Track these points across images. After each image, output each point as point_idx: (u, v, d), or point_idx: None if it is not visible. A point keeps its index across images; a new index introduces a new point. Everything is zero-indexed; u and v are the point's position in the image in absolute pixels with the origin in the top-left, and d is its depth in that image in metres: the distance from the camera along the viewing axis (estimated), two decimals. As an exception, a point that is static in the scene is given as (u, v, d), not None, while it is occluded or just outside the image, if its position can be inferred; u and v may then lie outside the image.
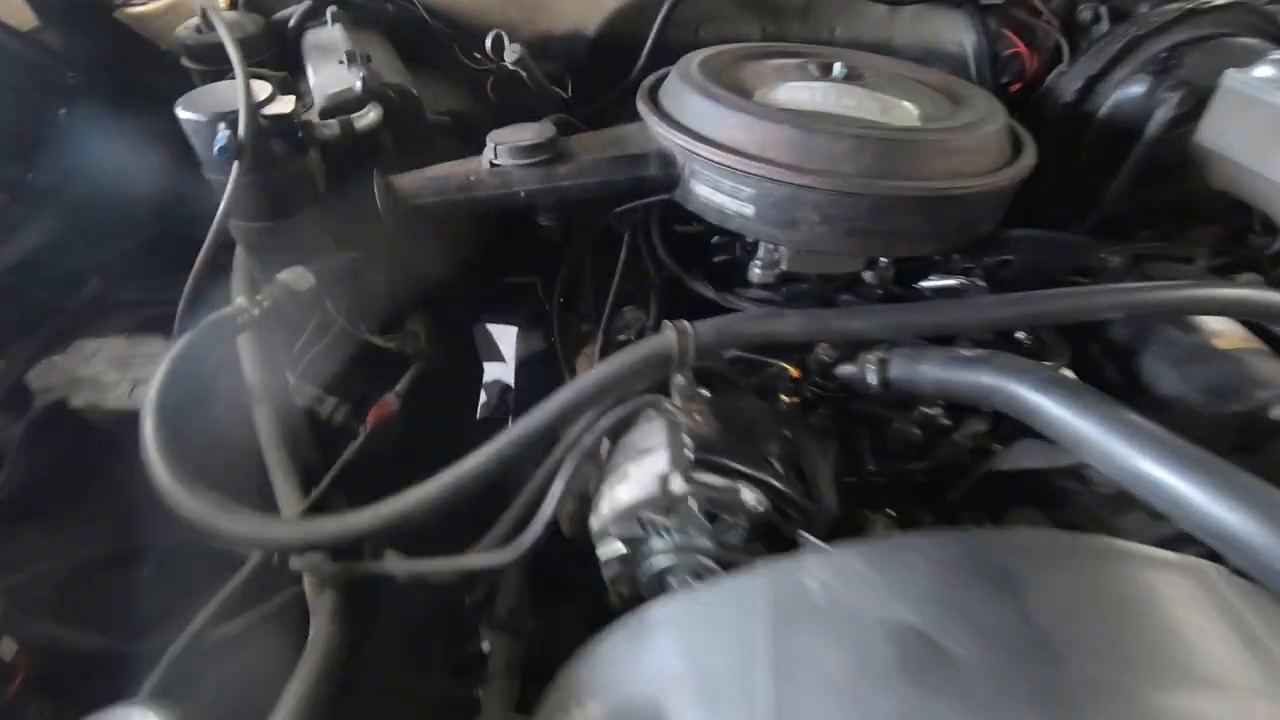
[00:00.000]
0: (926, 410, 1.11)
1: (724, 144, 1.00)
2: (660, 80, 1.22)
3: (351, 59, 1.16)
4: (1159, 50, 1.20)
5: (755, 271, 1.23)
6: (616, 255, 1.40)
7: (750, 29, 1.57)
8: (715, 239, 1.49)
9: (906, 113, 1.05)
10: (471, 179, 1.07)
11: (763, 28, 1.57)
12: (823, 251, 1.15)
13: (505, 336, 2.41)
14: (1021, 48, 1.45)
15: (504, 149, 1.05)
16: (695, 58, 1.19)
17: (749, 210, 1.02)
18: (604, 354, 1.29)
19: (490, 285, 1.75)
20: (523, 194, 1.08)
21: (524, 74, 1.34)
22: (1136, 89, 1.22)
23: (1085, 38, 1.46)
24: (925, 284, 1.18)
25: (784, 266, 1.22)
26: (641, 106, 1.13)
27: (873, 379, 1.01)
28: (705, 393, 0.92)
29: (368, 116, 1.10)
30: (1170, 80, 1.18)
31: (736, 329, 0.90)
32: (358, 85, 1.12)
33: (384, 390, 1.19)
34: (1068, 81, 1.28)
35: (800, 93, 1.06)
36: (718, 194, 1.04)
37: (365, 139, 1.09)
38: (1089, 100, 1.26)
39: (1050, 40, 1.46)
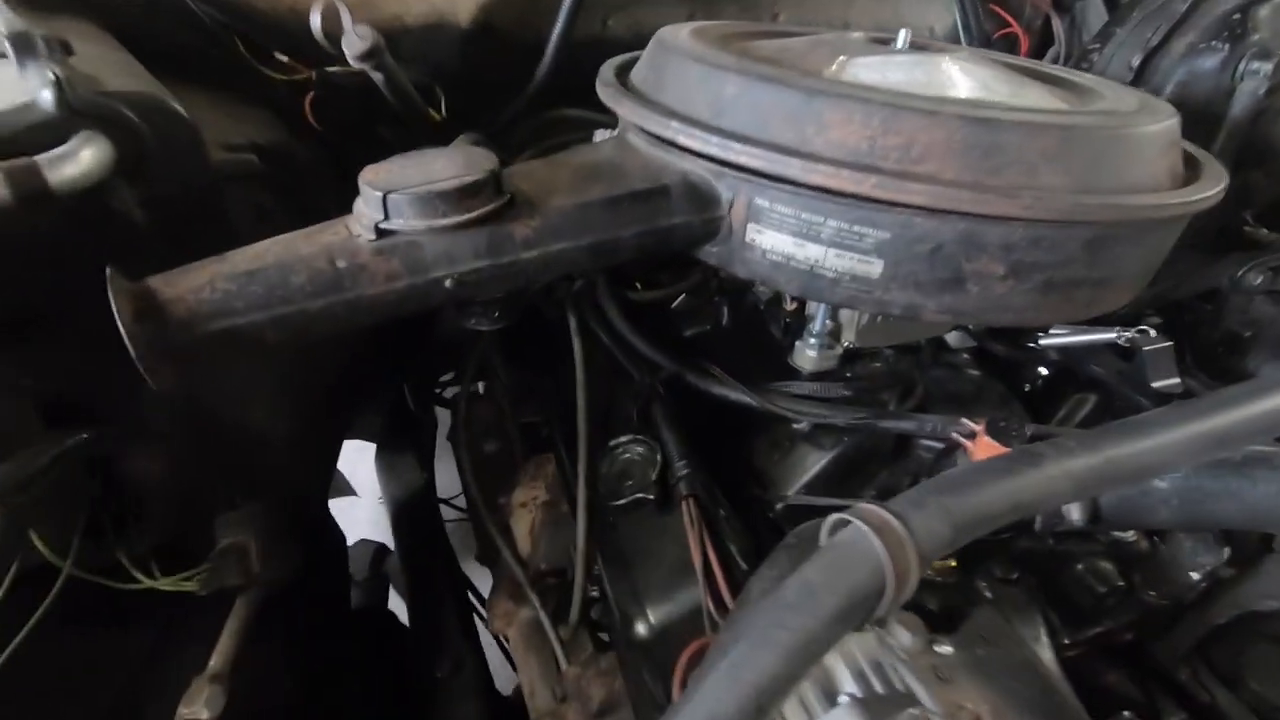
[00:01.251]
0: (1121, 537, 0.73)
1: (822, 155, 0.55)
2: (628, 66, 0.75)
3: (26, 47, 0.56)
4: (1227, 10, 0.95)
5: (808, 354, 0.80)
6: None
7: (674, 14, 1.16)
8: (678, 303, 1.06)
9: (1045, 97, 0.67)
10: (336, 266, 0.52)
11: (690, 14, 1.17)
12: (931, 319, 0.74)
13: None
14: (1015, 27, 1.18)
15: (404, 201, 0.52)
16: (682, 31, 0.73)
17: (872, 268, 0.58)
18: (595, 518, 0.77)
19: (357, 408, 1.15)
20: (449, 284, 0.55)
21: (378, 76, 0.81)
22: (1208, 62, 0.96)
23: (1066, 14, 1.23)
24: (1055, 340, 0.81)
25: (850, 341, 0.79)
26: (630, 106, 0.65)
27: (1076, 514, 0.62)
28: (948, 649, 0.46)
29: (77, 159, 0.52)
30: (1250, 47, 0.92)
31: (976, 504, 0.46)
32: (47, 97, 0.53)
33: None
34: (1117, 58, 1.00)
35: (892, 70, 0.65)
36: (805, 245, 0.59)
37: (77, 205, 0.51)
38: (1147, 80, 0.99)
39: (1039, 16, 1.21)
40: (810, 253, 0.59)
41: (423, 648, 1.01)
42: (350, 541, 1.40)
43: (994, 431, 0.63)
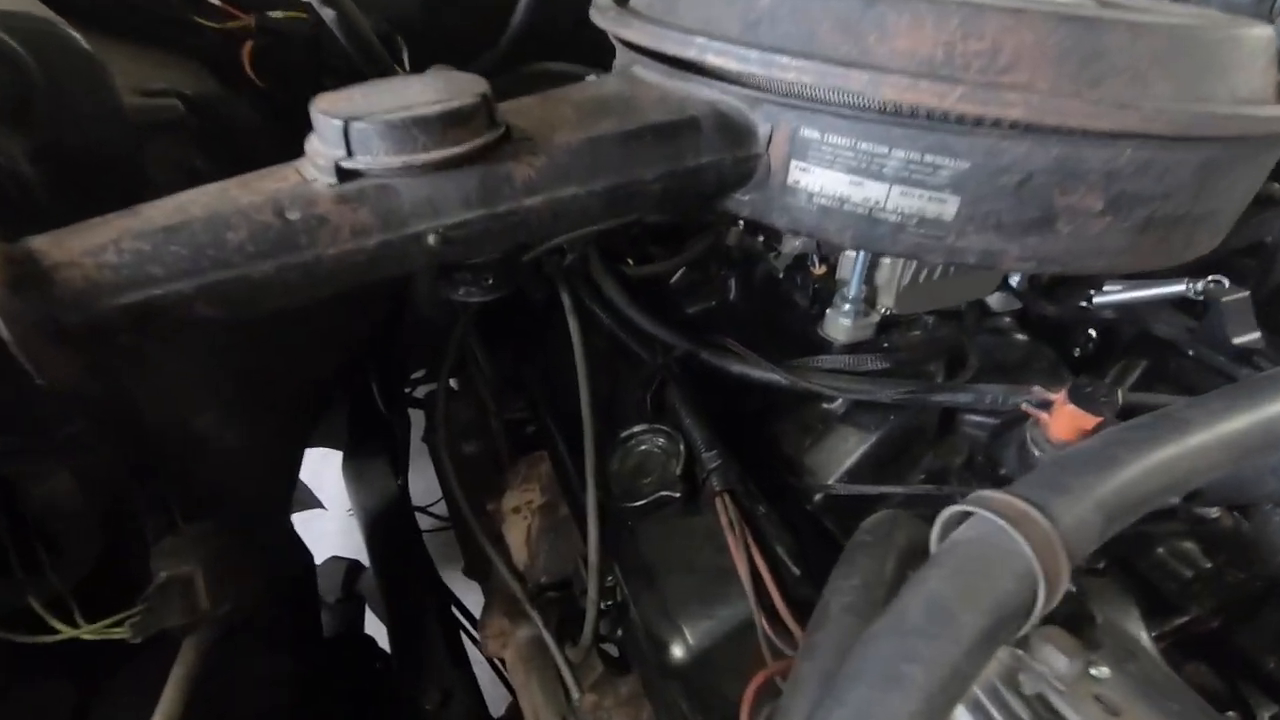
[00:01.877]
0: (1204, 513, 0.65)
1: (890, 67, 0.45)
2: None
3: None
4: (1262, -61, 0.88)
5: (842, 323, 0.70)
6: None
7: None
8: (677, 277, 0.95)
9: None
10: (287, 218, 0.41)
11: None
12: (979, 268, 0.65)
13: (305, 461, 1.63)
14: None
15: (373, 131, 0.40)
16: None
17: (946, 209, 0.48)
18: (608, 522, 0.66)
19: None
20: (432, 240, 0.43)
21: (330, 14, 0.68)
22: (1243, -7, 0.88)
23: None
24: (1111, 297, 0.73)
25: (888, 307, 0.70)
26: (640, 28, 0.54)
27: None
28: (1105, 670, 0.36)
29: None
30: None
31: (1127, 483, 0.36)
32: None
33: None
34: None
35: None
36: (864, 184, 0.49)
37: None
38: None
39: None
40: (870, 193, 0.49)
41: (407, 676, 0.89)
42: (319, 559, 1.27)
43: (1079, 398, 0.54)
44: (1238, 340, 0.65)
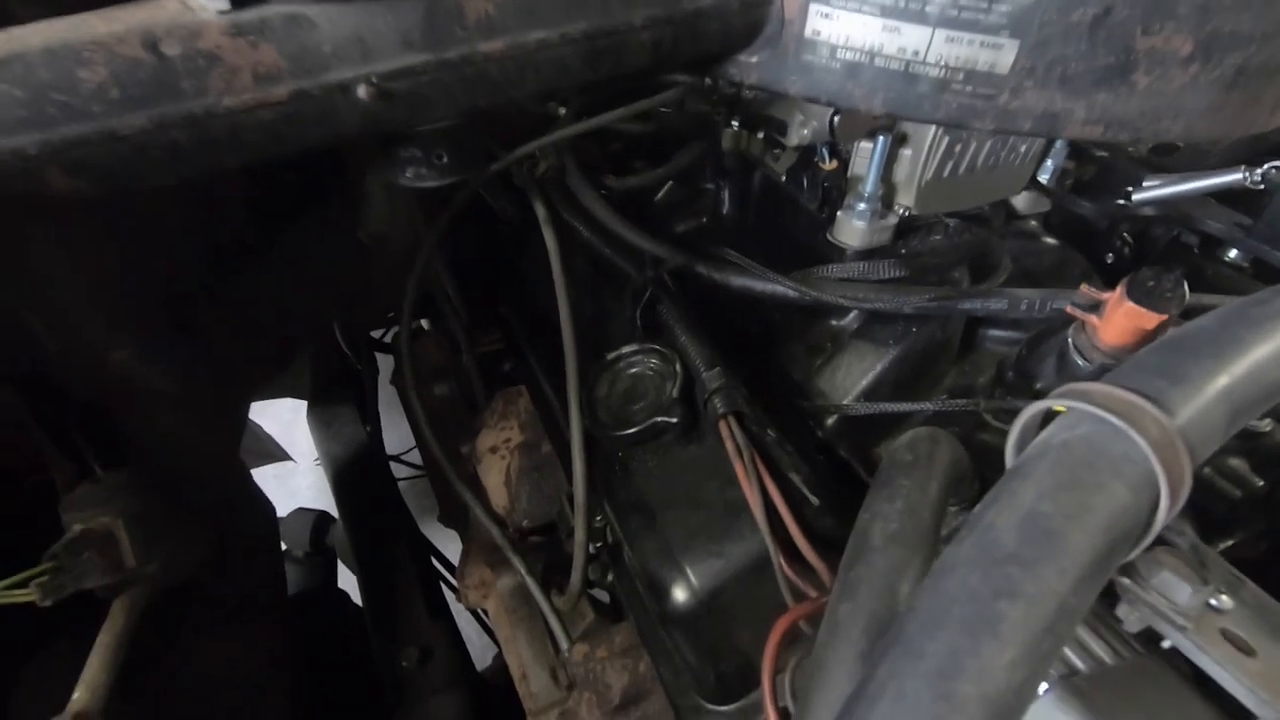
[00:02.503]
0: (1254, 427, 0.59)
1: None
2: None
3: None
4: None
5: (855, 226, 0.61)
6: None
7: None
8: (663, 194, 0.86)
9: None
10: (163, 54, 0.31)
11: None
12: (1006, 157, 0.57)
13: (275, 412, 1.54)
14: None
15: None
16: None
17: (1001, 56, 0.39)
18: (595, 455, 0.58)
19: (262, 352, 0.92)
20: (363, 93, 0.34)
21: None
22: None
23: None
24: (1154, 192, 0.65)
25: (907, 206, 0.62)
26: None
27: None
28: (1227, 599, 0.29)
29: None
30: None
31: (1255, 370, 0.29)
32: None
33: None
34: None
35: None
36: (901, 30, 0.40)
37: None
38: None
39: None
40: (908, 40, 0.40)
41: (382, 634, 0.82)
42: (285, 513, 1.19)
43: (1139, 293, 0.47)
44: (1302, 233, 0.58)
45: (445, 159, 0.41)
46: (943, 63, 0.40)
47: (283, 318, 0.90)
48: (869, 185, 0.60)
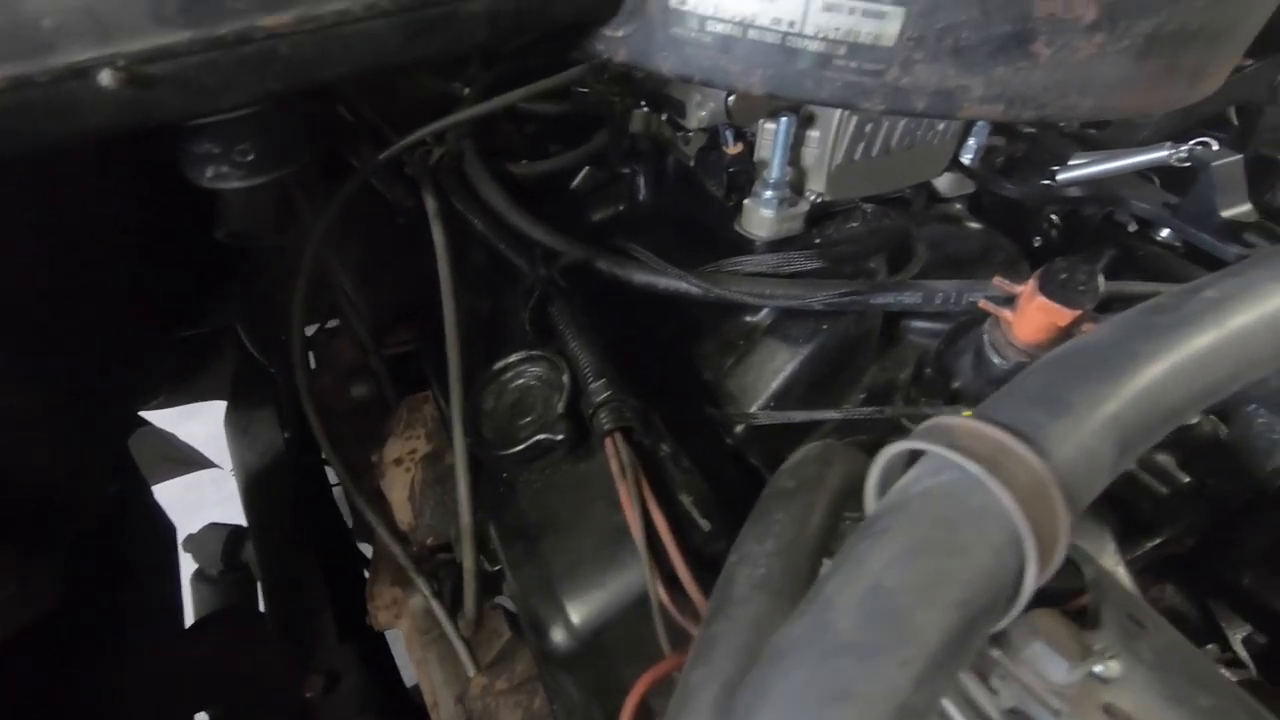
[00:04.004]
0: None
1: None
2: None
3: None
4: None
5: (763, 215, 0.57)
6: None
7: None
8: (581, 179, 0.81)
9: None
10: None
11: None
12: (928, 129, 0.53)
13: (195, 422, 1.45)
14: None
15: None
16: None
17: (887, 26, 0.35)
18: (481, 475, 0.53)
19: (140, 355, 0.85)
20: (106, 80, 0.28)
21: None
22: None
23: None
24: (1079, 171, 0.61)
25: (818, 192, 0.57)
26: None
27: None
28: (1115, 665, 0.25)
29: None
30: None
31: (1149, 391, 0.24)
32: None
33: None
34: None
35: None
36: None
37: None
38: None
39: None
40: (783, 8, 0.35)
41: (286, 658, 0.77)
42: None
43: (1051, 286, 0.43)
44: (1228, 213, 0.54)
45: (252, 155, 0.35)
46: (822, 34, 0.35)
47: (150, 325, 0.83)
48: (774, 171, 0.55)
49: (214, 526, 1.07)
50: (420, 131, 0.69)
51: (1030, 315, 0.45)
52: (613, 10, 0.39)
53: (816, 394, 0.57)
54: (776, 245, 0.59)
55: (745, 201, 0.58)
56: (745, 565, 0.30)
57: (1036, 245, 0.68)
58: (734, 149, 0.57)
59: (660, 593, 0.40)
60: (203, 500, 1.60)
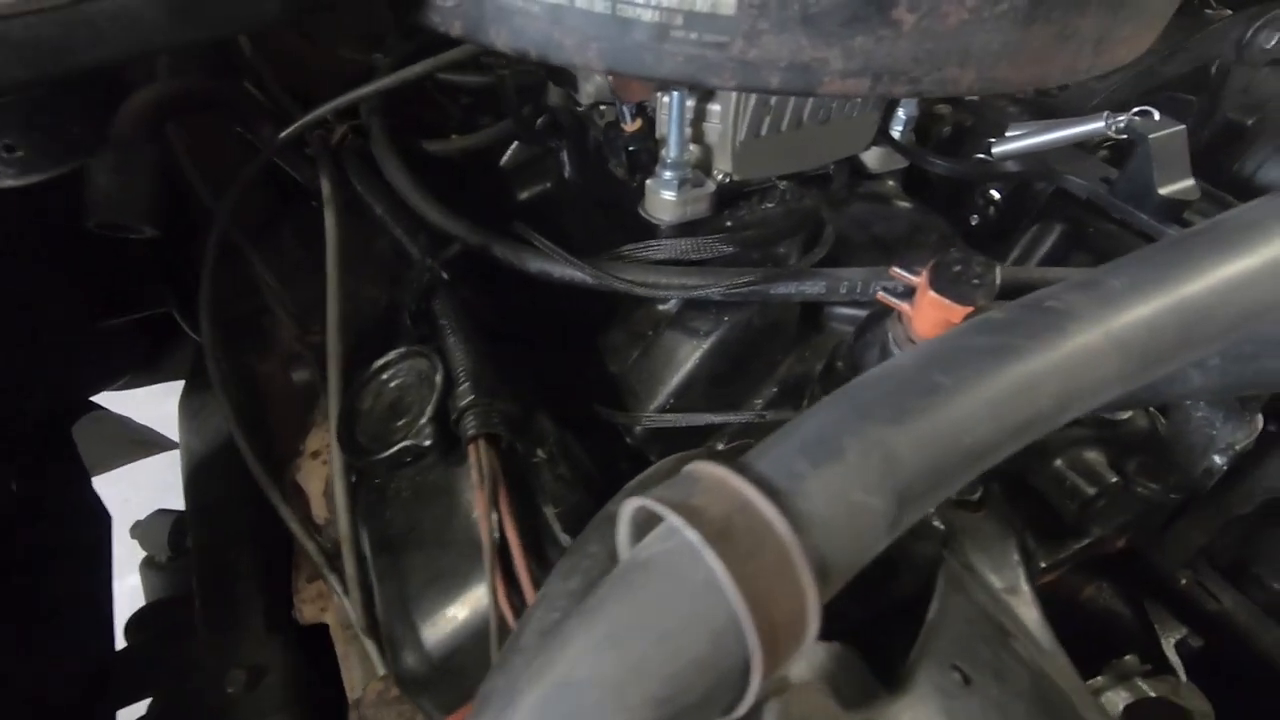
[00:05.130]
0: (1112, 415, 0.52)
1: None
2: None
3: None
4: None
5: (664, 198, 0.53)
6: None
7: None
8: (510, 156, 0.76)
9: None
10: None
11: None
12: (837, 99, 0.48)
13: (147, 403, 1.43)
14: None
15: None
16: None
17: (721, -10, 0.30)
18: (360, 481, 0.50)
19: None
20: None
21: None
22: None
23: None
24: (1015, 144, 0.56)
25: (725, 172, 0.53)
26: None
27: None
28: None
29: None
30: None
31: (942, 430, 0.21)
32: None
33: None
34: None
35: None
36: (596, -41, 0.30)
37: None
38: None
39: None
40: (608, -32, 0.31)
41: (211, 650, 0.75)
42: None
43: (943, 281, 0.39)
44: (1165, 190, 0.49)
45: (21, 151, 0.31)
46: (655, 2, 0.31)
47: (75, 316, 0.81)
48: (672, 150, 0.51)
49: (162, 513, 1.06)
50: (320, 109, 0.65)
51: (925, 310, 0.41)
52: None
53: (723, 388, 0.54)
54: (684, 229, 0.55)
55: (648, 183, 0.54)
56: (541, 608, 0.27)
57: (974, 224, 0.64)
58: (632, 126, 0.53)
59: (507, 614, 0.37)
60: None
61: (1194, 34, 0.66)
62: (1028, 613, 0.41)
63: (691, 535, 0.18)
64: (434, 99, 0.81)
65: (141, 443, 1.30)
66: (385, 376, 0.50)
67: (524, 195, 0.76)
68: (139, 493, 1.29)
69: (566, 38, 0.34)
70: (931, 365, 0.22)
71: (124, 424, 1.24)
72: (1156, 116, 0.50)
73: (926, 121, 0.66)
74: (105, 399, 1.16)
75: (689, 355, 0.52)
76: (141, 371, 1.26)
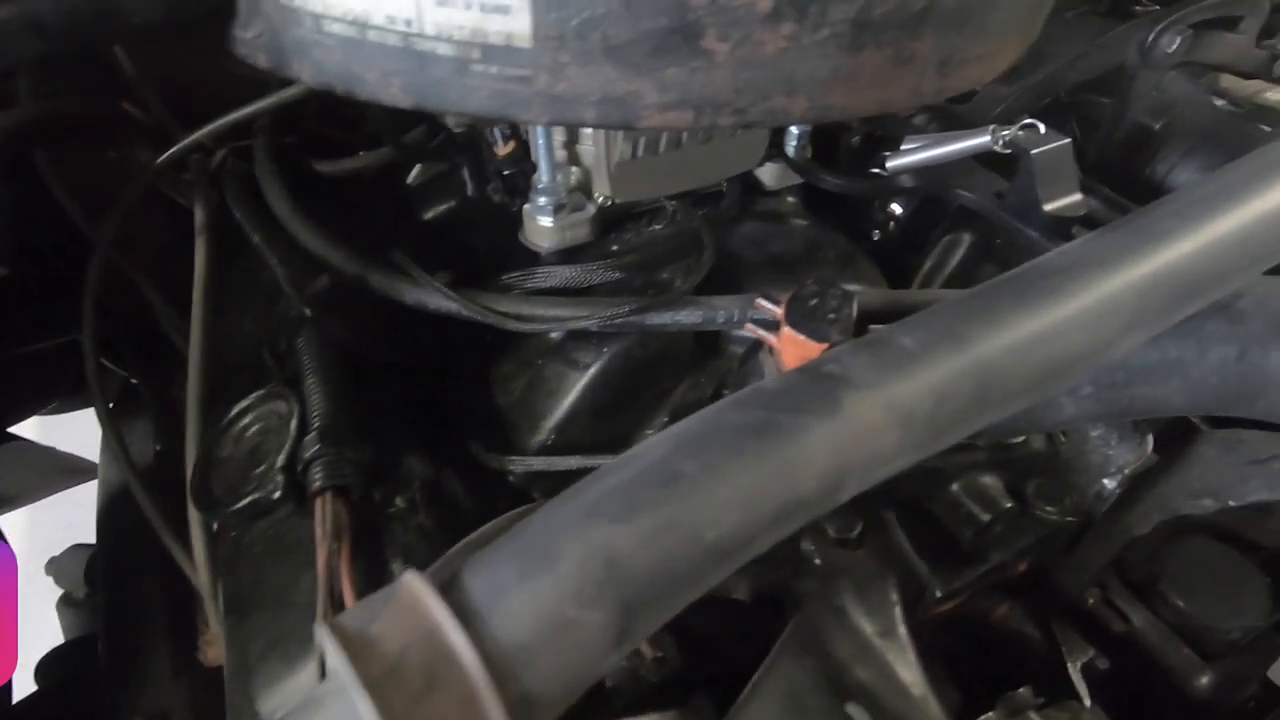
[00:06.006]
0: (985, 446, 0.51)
1: None
2: None
3: None
4: None
5: (541, 224, 0.51)
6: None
7: None
8: (417, 175, 0.73)
9: None
10: None
11: None
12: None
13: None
14: None
15: None
16: None
17: (514, 21, 0.28)
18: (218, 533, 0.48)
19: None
20: None
21: None
22: None
23: None
24: (906, 158, 0.55)
25: (604, 194, 0.51)
26: None
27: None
28: None
29: None
30: None
31: (672, 546, 0.19)
32: None
33: None
34: None
35: None
36: (379, -12, 0.28)
37: None
38: None
39: None
40: (395, 5, 0.29)
41: (113, 694, 0.72)
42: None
43: (797, 315, 0.37)
44: (1050, 206, 0.48)
45: None
46: (445, 34, 0.29)
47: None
48: (543, 175, 0.48)
49: (78, 548, 1.02)
50: (199, 132, 0.62)
51: (786, 345, 0.39)
52: (230, 7, 0.32)
53: (609, 420, 0.52)
54: (568, 254, 0.53)
55: (524, 209, 0.51)
56: None
57: (876, 239, 0.62)
58: (505, 149, 0.50)
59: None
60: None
61: (1101, 38, 0.65)
62: (900, 656, 0.39)
63: (347, 677, 0.15)
64: (344, 115, 0.78)
65: (67, 471, 1.26)
66: (246, 421, 0.48)
67: (429, 214, 0.73)
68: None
69: (367, 72, 0.31)
70: (679, 449, 0.20)
71: (46, 453, 1.20)
72: (1042, 130, 0.49)
73: (836, 130, 0.64)
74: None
75: (570, 388, 0.50)
76: (73, 396, 1.21)
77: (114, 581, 0.84)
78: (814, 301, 0.37)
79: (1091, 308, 0.24)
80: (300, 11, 0.30)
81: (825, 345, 0.37)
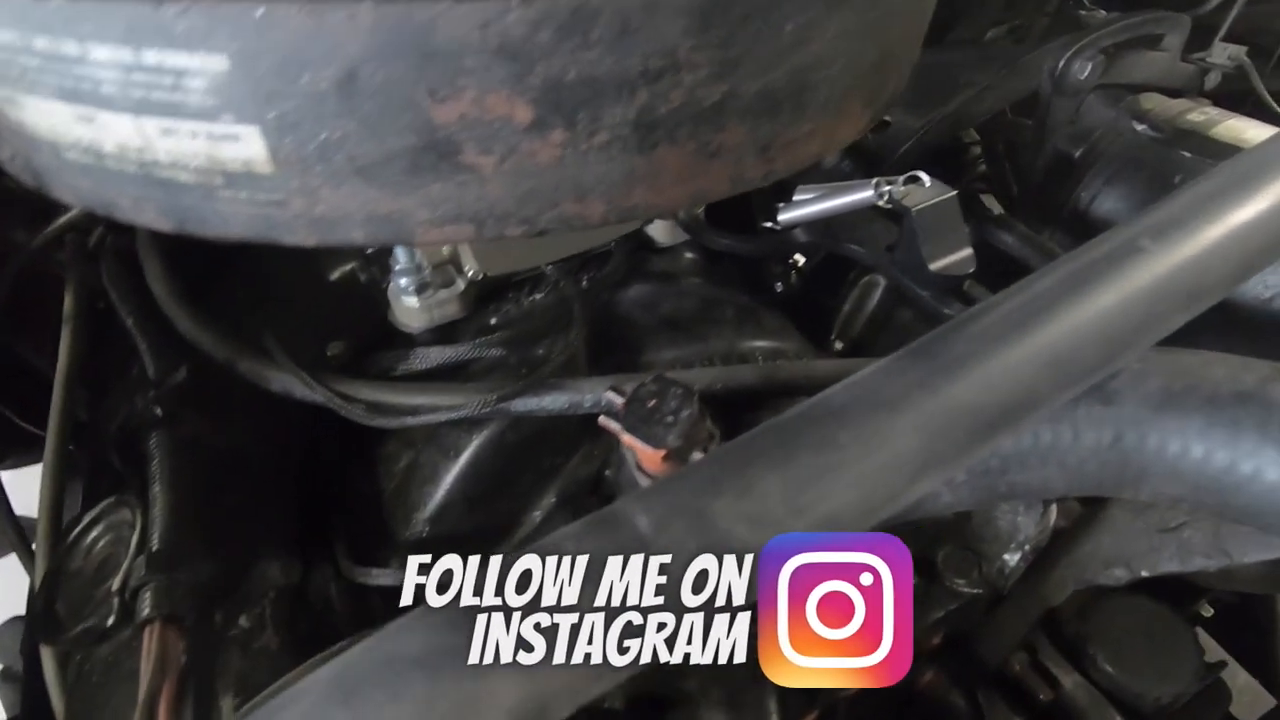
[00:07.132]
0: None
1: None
2: None
3: None
4: None
5: (407, 304, 0.48)
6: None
7: None
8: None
9: None
10: None
11: None
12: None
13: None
14: None
15: None
16: None
17: (247, 148, 0.25)
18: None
19: None
20: None
21: None
22: None
23: None
24: (796, 211, 0.52)
25: (473, 269, 0.48)
26: None
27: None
28: None
29: None
30: None
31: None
32: None
33: None
34: None
35: None
36: (97, 117, 0.25)
37: None
38: None
39: None
40: (115, 133, 0.26)
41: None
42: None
43: (635, 419, 0.34)
44: (936, 264, 0.45)
45: None
46: (183, 163, 0.26)
47: None
48: (399, 254, 0.46)
49: (15, 620, 0.99)
50: (76, 209, 0.60)
51: (636, 444, 0.36)
52: (-22, 131, 0.30)
53: (486, 507, 0.49)
54: (444, 332, 0.50)
55: (389, 289, 0.49)
56: None
57: (779, 291, 0.59)
58: (362, 228, 0.48)
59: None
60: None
61: (1013, 64, 0.62)
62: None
63: None
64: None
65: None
66: (97, 532, 0.45)
67: (335, 276, 0.71)
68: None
69: (119, 198, 0.29)
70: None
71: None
72: (927, 182, 0.46)
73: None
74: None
75: (443, 477, 0.47)
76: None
77: (30, 665, 0.81)
78: (653, 402, 0.35)
79: (873, 458, 0.21)
80: (37, 139, 0.28)
81: (662, 452, 0.34)
